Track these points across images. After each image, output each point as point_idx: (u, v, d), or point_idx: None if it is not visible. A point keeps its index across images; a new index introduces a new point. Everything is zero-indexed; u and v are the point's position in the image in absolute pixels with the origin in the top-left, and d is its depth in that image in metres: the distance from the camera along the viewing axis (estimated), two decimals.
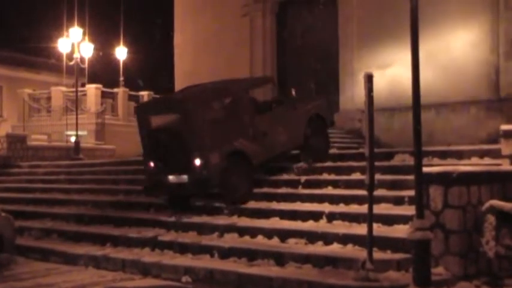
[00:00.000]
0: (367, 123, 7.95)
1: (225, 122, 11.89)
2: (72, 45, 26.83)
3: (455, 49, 16.09)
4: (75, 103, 24.96)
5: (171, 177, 11.72)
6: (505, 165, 9.24)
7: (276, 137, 12.58)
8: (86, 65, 28.87)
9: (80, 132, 24.26)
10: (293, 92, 13.92)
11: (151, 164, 12.01)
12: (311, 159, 12.72)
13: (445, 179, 8.07)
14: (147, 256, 10.18)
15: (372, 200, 7.99)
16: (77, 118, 23.75)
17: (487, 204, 8.07)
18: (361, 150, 12.56)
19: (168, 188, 11.91)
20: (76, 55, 25.59)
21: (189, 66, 23.84)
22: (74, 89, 25.89)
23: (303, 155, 13.10)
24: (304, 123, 13.18)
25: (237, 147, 11.84)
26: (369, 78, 7.86)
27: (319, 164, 12.75)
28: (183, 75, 24.16)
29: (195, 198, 12.32)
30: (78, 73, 25.80)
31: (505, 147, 9.31)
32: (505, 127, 9.51)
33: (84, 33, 28.33)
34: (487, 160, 10.92)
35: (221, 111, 12.15)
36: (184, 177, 11.55)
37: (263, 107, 12.90)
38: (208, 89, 12.97)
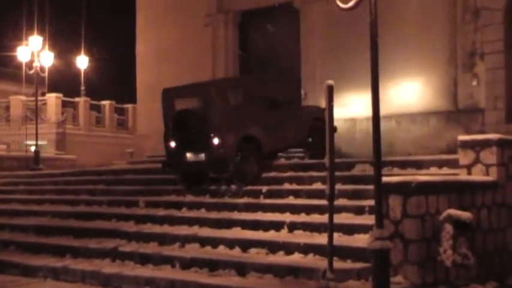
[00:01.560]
0: (327, 133, 8.03)
1: (242, 111, 13.14)
2: (32, 53, 26.49)
3: (415, 60, 16.34)
4: (35, 112, 24.64)
5: (189, 155, 12.91)
6: (462, 175, 9.39)
7: (284, 132, 13.82)
8: (46, 74, 28.52)
9: (40, 142, 23.97)
10: (303, 94, 14.45)
11: (172, 143, 13.15)
12: (311, 155, 14.32)
13: (404, 189, 8.18)
14: (108, 267, 10.08)
15: (332, 210, 8.06)
16: (36, 128, 23.47)
17: (444, 214, 8.19)
18: (322, 160, 12.68)
19: (185, 166, 13.04)
20: (36, 64, 25.28)
21: (151, 76, 23.74)
22: (33, 98, 25.58)
23: (305, 152, 14.72)
24: (308, 124, 14.46)
25: (250, 133, 13.02)
26: (329, 88, 7.94)
27: (280, 174, 12.83)
28: (145, 85, 24.06)
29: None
30: (38, 82, 25.51)
31: (462, 157, 9.47)
32: (462, 138, 9.67)
33: (44, 42, 28.00)
34: (445, 170, 11.11)
35: (239, 100, 13.38)
36: (202, 156, 12.73)
37: (275, 103, 13.98)
38: (228, 80, 14.85)
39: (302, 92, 14.43)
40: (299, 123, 14.31)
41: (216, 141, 12.56)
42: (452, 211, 8.19)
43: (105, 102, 34.65)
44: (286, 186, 12.17)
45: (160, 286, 9.07)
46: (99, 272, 9.89)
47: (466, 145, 9.44)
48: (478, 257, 8.57)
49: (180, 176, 13.55)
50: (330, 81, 8.02)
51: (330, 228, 7.94)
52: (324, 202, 10.27)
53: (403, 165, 11.87)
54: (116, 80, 36.90)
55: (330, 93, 7.94)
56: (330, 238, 7.89)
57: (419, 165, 11.77)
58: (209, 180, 13.40)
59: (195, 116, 12.81)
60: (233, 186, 12.67)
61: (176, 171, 13.52)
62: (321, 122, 13.83)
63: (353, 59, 16.62)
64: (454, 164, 10.56)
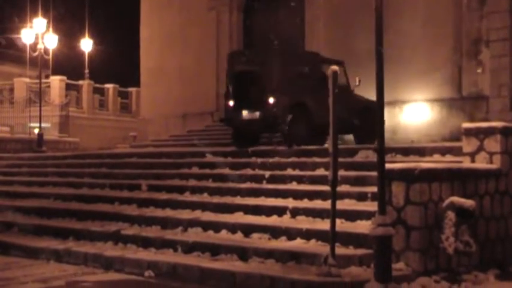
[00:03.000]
0: (331, 119, 8.01)
1: (298, 81, 14.49)
2: (36, 36, 26.43)
3: (420, 47, 16.29)
4: (39, 95, 24.62)
5: (245, 113, 14.44)
6: (465, 163, 9.37)
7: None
8: (50, 56, 28.46)
9: (43, 125, 23.96)
10: (357, 82, 14.84)
11: (231, 102, 14.64)
12: (358, 139, 15.49)
13: (407, 176, 8.17)
14: (110, 250, 10.09)
15: (334, 196, 8.05)
16: (40, 110, 23.45)
17: (447, 201, 8.19)
18: (325, 146, 12.70)
19: (241, 123, 14.58)
20: (40, 46, 25.22)
21: (155, 61, 23.73)
22: (37, 81, 25.56)
23: (354, 136, 15.74)
24: (357, 110, 15.25)
25: (303, 101, 14.25)
26: (334, 75, 7.91)
27: (283, 160, 12.81)
28: (149, 69, 24.06)
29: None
30: (42, 64, 25.46)
31: (466, 145, 9.45)
32: (466, 125, 9.65)
33: (48, 24, 27.94)
34: (448, 157, 11.07)
35: (297, 71, 14.74)
36: (257, 114, 14.25)
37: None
38: (292, 51, 15.96)
39: (357, 78, 14.77)
40: (350, 108, 14.71)
41: (271, 100, 13.97)
42: (455, 199, 8.18)
43: (109, 86, 34.62)
44: (289, 171, 12.15)
45: (162, 270, 9.08)
46: (101, 254, 9.91)
47: (470, 133, 9.42)
48: (480, 245, 8.59)
49: (233, 136, 15.14)
50: (335, 67, 7.98)
51: (333, 214, 7.94)
52: (326, 188, 10.28)
53: (406, 152, 11.83)
54: (119, 63, 36.82)
55: (335, 79, 7.91)
56: (333, 224, 7.89)
57: (422, 152, 11.73)
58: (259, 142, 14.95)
59: (254, 77, 14.26)
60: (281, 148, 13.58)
61: (232, 126, 15.15)
62: (371, 112, 15.00)
63: (358, 45, 16.60)
64: (457, 151, 10.55)
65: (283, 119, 13.99)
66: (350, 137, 15.91)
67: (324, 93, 14.36)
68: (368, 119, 14.76)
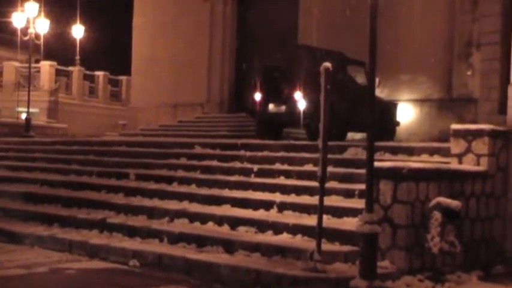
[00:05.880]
0: (322, 115, 8.03)
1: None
2: (28, 20, 26.23)
3: (412, 47, 16.35)
4: (28, 79, 24.46)
5: (271, 107, 15.17)
6: (453, 164, 9.43)
7: (357, 108, 14.65)
8: (42, 41, 28.28)
9: (31, 110, 23.82)
10: (377, 83, 15.18)
11: (257, 95, 15.28)
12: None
13: (395, 175, 8.21)
14: (95, 238, 10.08)
15: (323, 192, 8.07)
16: (29, 95, 23.29)
17: (434, 201, 8.24)
18: (314, 142, 12.74)
19: (267, 116, 15.27)
20: (31, 30, 25.03)
21: (147, 49, 23.66)
22: (27, 65, 25.38)
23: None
24: (377, 110, 15.54)
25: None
26: (327, 71, 7.92)
27: (272, 154, 12.82)
28: (141, 58, 23.99)
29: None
30: (33, 49, 25.28)
31: (454, 146, 9.51)
32: (455, 126, 9.70)
33: (40, 9, 27.72)
34: (436, 158, 11.10)
35: None
36: (283, 108, 14.95)
37: (354, 82, 15.69)
38: (320, 49, 15.99)
39: (377, 80, 14.94)
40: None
41: (297, 95, 14.48)
42: (442, 199, 8.24)
43: (99, 73, 34.48)
44: (278, 166, 12.15)
45: (147, 259, 9.09)
46: (86, 242, 9.89)
47: (458, 134, 9.48)
48: (464, 246, 8.66)
49: (257, 128, 15.89)
50: (327, 64, 8.00)
51: (320, 210, 7.97)
52: (314, 184, 10.32)
53: (395, 150, 11.86)
54: (111, 51, 36.64)
55: (327, 76, 7.92)
56: (320, 220, 7.91)
57: (410, 151, 11.75)
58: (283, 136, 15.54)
59: (282, 72, 15.01)
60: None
61: (257, 118, 15.80)
62: (391, 113, 16.37)
63: (351, 42, 16.60)
64: (445, 152, 10.60)
65: (308, 114, 14.33)
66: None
67: (346, 91, 15.05)
68: (385, 119, 15.44)
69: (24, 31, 25.86)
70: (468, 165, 9.32)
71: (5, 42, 36.20)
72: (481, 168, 9.24)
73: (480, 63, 15.18)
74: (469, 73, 15.35)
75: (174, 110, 22.76)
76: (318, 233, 7.89)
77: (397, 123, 16.55)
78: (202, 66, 22.14)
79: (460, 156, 9.41)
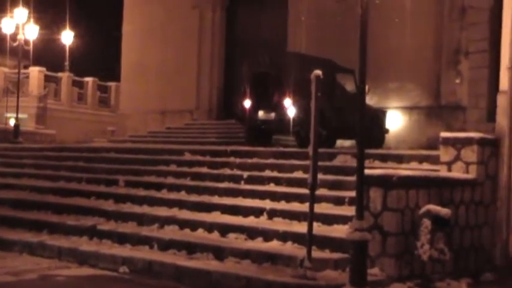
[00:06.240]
0: (312, 122, 8.06)
1: None
2: (17, 26, 26.12)
3: (401, 54, 16.44)
4: (17, 85, 24.34)
5: (260, 114, 15.38)
6: (442, 172, 9.49)
7: (347, 116, 14.36)
8: (31, 47, 28.17)
9: (20, 115, 23.70)
10: (367, 90, 15.30)
11: (246, 102, 15.42)
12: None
13: (385, 182, 8.25)
14: (85, 245, 10.03)
15: (313, 199, 8.09)
16: (18, 100, 23.16)
17: (424, 209, 8.29)
18: (304, 149, 12.78)
19: (256, 123, 15.40)
20: (20, 36, 24.93)
21: (136, 56, 23.65)
22: (16, 71, 25.25)
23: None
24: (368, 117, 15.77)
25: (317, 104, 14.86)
26: (317, 79, 7.96)
27: (262, 161, 12.84)
28: (130, 64, 23.97)
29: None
30: (22, 55, 25.19)
31: (443, 154, 9.57)
32: (444, 134, 9.76)
33: (29, 15, 27.61)
34: (426, 165, 11.17)
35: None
36: (272, 115, 15.15)
37: (344, 90, 16.01)
38: (310, 57, 16.28)
39: (366, 87, 15.02)
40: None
41: (286, 103, 14.62)
42: (432, 206, 8.29)
43: (88, 79, 34.41)
44: (268, 173, 12.17)
45: (137, 266, 9.06)
46: (76, 249, 9.85)
47: (447, 142, 9.54)
48: (454, 253, 8.71)
49: (247, 135, 16.03)
50: (318, 72, 8.04)
51: (310, 217, 7.99)
52: (304, 191, 10.32)
53: (384, 158, 11.92)
54: (100, 57, 36.57)
55: (318, 83, 7.96)
56: (310, 227, 7.94)
57: (400, 159, 11.82)
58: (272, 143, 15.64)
59: (271, 79, 15.19)
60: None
61: (246, 126, 15.97)
62: (380, 120, 16.47)
63: (339, 50, 16.68)
64: (434, 159, 10.67)
65: (297, 121, 14.46)
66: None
67: (336, 99, 15.13)
68: (374, 127, 15.53)
69: (13, 37, 25.75)
70: (457, 173, 9.39)
71: None
72: (470, 176, 9.31)
73: (468, 71, 15.28)
74: (457, 81, 15.46)
75: (163, 116, 22.76)
76: (308, 240, 7.91)
77: (386, 131, 16.63)
78: (191, 73, 22.16)
79: (449, 164, 9.47)
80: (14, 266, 9.28)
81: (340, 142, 16.43)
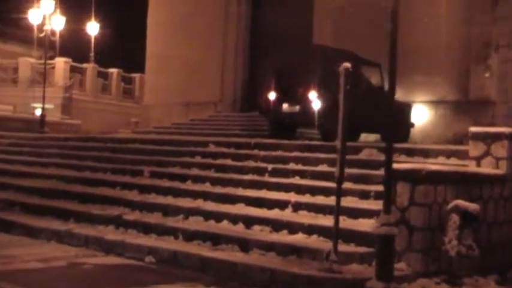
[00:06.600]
0: (340, 115, 8.01)
1: (339, 77, 14.58)
2: (44, 16, 26.33)
3: (428, 47, 16.25)
4: (43, 76, 24.54)
5: (285, 106, 15.33)
6: (471, 167, 9.39)
7: (371, 110, 14.45)
8: (57, 38, 28.38)
9: (46, 106, 23.90)
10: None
11: (271, 95, 15.47)
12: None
13: (413, 177, 8.18)
14: (111, 234, 10.10)
15: (340, 193, 8.04)
16: (44, 91, 23.35)
17: (452, 204, 8.21)
18: (329, 142, 12.74)
19: (280, 115, 15.39)
20: (47, 27, 25.13)
21: (160, 48, 23.71)
22: (42, 61, 25.47)
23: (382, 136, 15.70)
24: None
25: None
26: (346, 71, 7.90)
27: (286, 153, 12.80)
28: (154, 56, 24.05)
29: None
30: (48, 46, 25.38)
31: (472, 149, 9.46)
32: (474, 129, 9.65)
33: (56, 5, 27.82)
34: (453, 160, 11.06)
35: (338, 68, 14.96)
36: (297, 108, 15.11)
37: (369, 85, 15.86)
38: (338, 50, 15.98)
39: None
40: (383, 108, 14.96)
41: (311, 96, 14.62)
42: (460, 202, 8.20)
43: (113, 70, 34.58)
44: (292, 166, 12.12)
45: (163, 256, 9.10)
46: (102, 238, 9.92)
47: (477, 137, 9.43)
48: (482, 249, 8.59)
49: (270, 128, 15.94)
50: (347, 64, 7.98)
51: (337, 210, 7.94)
52: (329, 184, 10.32)
53: (410, 152, 11.81)
54: (124, 48, 36.71)
55: (347, 76, 7.90)
56: (336, 220, 7.89)
57: (426, 153, 11.70)
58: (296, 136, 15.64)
59: (296, 71, 15.22)
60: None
61: (271, 118, 15.90)
62: (405, 114, 16.26)
63: (365, 43, 16.57)
64: (462, 155, 10.56)
65: (322, 114, 14.41)
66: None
67: (360, 92, 15.12)
68: (400, 121, 15.31)
69: (40, 27, 25.95)
70: (487, 168, 9.28)
71: (19, 38, 36.36)
72: (500, 171, 9.20)
73: (498, 65, 15.08)
74: (486, 75, 15.26)
75: (187, 108, 22.79)
76: (335, 233, 7.87)
77: (412, 125, 16.48)
78: (215, 65, 22.16)
79: (478, 159, 9.37)
80: (43, 253, 9.39)
81: (364, 136, 16.34)
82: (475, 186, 8.76)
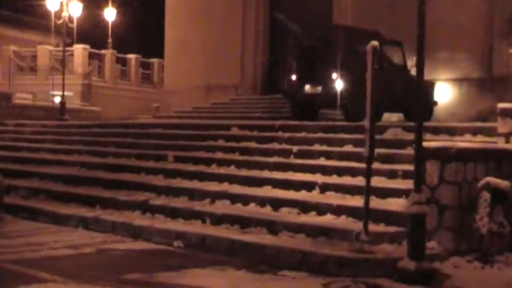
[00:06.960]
0: (368, 94, 7.93)
1: (361, 58, 14.02)
2: (61, 3, 26.35)
3: (451, 24, 16.03)
4: (62, 63, 24.59)
5: (307, 88, 15.20)
6: (500, 143, 9.27)
7: (393, 90, 14.51)
8: (75, 25, 28.41)
9: (65, 93, 23.97)
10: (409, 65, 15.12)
11: (293, 76, 15.40)
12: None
13: (443, 155, 8.10)
14: (138, 219, 10.12)
15: (369, 172, 7.99)
16: (63, 78, 23.38)
17: (483, 181, 8.12)
18: (352, 123, 12.66)
19: (303, 97, 15.31)
20: (65, 14, 25.14)
21: (179, 33, 23.62)
22: (60, 49, 25.51)
23: (405, 115, 15.82)
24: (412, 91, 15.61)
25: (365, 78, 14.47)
26: (374, 50, 7.81)
27: (310, 135, 12.74)
28: (173, 42, 23.97)
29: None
30: (66, 33, 25.41)
31: (501, 125, 9.35)
32: (502, 105, 9.54)
33: None
34: (479, 137, 10.94)
35: (360, 48, 14.56)
36: (319, 89, 14.98)
37: (392, 63, 15.47)
38: (359, 29, 15.71)
39: (414, 59, 14.88)
40: (406, 88, 14.55)
41: (333, 76, 14.54)
42: (491, 179, 8.11)
43: (131, 56, 34.58)
44: (317, 147, 12.06)
45: (191, 240, 9.11)
46: (129, 223, 9.95)
47: (506, 113, 9.33)
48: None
49: (293, 109, 15.90)
50: (375, 42, 7.88)
51: (367, 190, 7.89)
52: (355, 164, 10.29)
53: (436, 131, 11.70)
54: (142, 34, 36.70)
55: (374, 55, 7.81)
56: (367, 200, 7.84)
57: (452, 131, 11.59)
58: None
59: (318, 52, 15.03)
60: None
61: (293, 100, 15.88)
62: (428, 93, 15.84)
63: (386, 22, 16.39)
64: (488, 132, 10.46)
65: (345, 94, 14.32)
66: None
67: (384, 74, 14.94)
68: (423, 99, 14.94)
69: (58, 15, 25.98)
70: None
71: (36, 26, 36.44)
72: None
73: None
74: (510, 51, 15.03)
75: (207, 92, 22.74)
76: (365, 213, 7.82)
77: (435, 103, 16.32)
78: (235, 47, 22.05)
79: (507, 136, 9.27)
80: (71, 240, 9.45)
81: (386, 116, 16.20)
82: (505, 163, 8.65)
